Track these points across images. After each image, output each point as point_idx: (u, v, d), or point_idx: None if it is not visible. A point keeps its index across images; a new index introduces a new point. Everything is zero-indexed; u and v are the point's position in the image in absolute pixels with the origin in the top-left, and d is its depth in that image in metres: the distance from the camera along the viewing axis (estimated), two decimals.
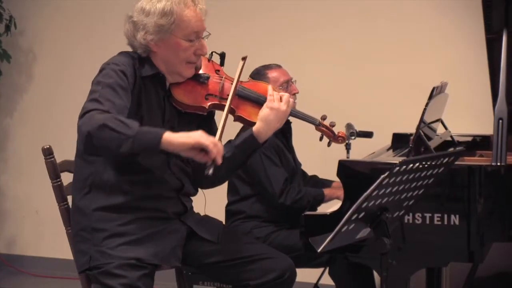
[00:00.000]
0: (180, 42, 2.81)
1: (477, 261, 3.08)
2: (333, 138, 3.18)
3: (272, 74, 3.71)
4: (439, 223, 3.01)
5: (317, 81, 4.75)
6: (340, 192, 3.73)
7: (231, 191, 3.80)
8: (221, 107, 2.85)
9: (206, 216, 3.11)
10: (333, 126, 3.16)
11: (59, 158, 3.16)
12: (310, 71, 4.74)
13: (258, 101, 2.93)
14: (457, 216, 3.00)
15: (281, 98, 2.89)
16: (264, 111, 2.87)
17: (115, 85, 2.70)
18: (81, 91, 5.32)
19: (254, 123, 2.90)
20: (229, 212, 3.79)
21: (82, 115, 2.63)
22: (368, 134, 3.93)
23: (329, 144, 3.23)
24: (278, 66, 3.76)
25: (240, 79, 2.90)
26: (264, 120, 2.87)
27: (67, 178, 3.16)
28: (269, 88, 2.93)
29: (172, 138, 2.56)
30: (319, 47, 4.88)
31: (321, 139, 3.24)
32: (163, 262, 2.88)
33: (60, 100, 5.51)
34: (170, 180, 2.90)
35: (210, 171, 2.59)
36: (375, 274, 3.76)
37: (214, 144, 2.58)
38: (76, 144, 2.90)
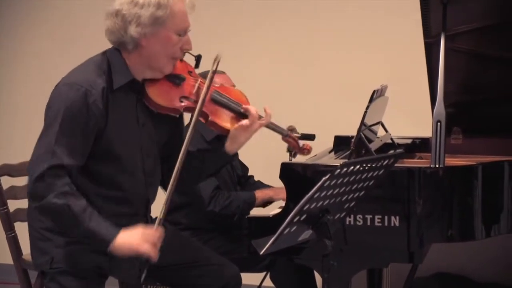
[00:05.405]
0: (171, 36, 2.74)
1: (417, 262, 3.13)
2: (298, 149, 3.20)
3: (216, 79, 3.71)
4: (380, 224, 3.05)
5: (258, 83, 4.76)
6: (273, 192, 3.77)
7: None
8: (195, 110, 2.80)
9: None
10: (298, 138, 3.18)
11: None
12: (252, 74, 4.75)
13: (231, 108, 2.91)
14: (397, 217, 3.04)
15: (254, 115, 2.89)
16: (237, 131, 2.87)
17: (72, 125, 2.66)
18: (23, 94, 5.27)
19: (226, 130, 2.88)
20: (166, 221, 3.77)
21: (35, 176, 2.63)
22: (310, 137, 3.94)
23: (294, 155, 3.26)
24: (223, 73, 3.77)
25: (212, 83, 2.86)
26: (236, 141, 2.90)
27: (7, 182, 3.12)
28: (248, 108, 2.90)
29: (116, 248, 2.65)
30: (260, 48, 4.90)
31: (288, 149, 3.26)
32: (122, 277, 2.90)
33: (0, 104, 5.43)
34: (141, 197, 2.91)
35: (142, 278, 2.71)
36: (317, 275, 3.80)
37: (153, 249, 2.66)
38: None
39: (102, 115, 2.70)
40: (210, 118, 2.86)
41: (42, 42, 5.36)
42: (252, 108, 2.91)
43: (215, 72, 2.81)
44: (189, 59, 2.90)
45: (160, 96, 2.80)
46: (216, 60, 2.81)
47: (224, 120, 2.89)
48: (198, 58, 2.87)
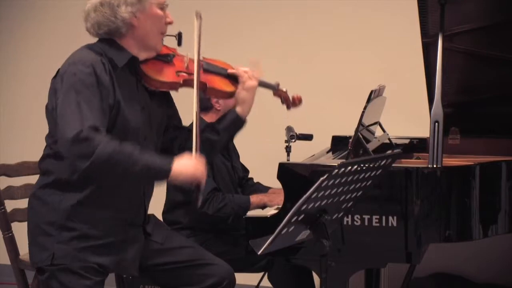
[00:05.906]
0: (156, 11, 2.83)
1: (415, 262, 3.13)
2: (290, 101, 3.26)
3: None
4: (377, 224, 3.05)
5: None
6: (268, 198, 3.77)
7: (166, 198, 3.80)
8: (192, 82, 2.89)
9: (152, 216, 3.10)
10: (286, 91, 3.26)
11: None
12: None
13: (222, 73, 3.04)
14: (395, 217, 3.04)
15: (248, 75, 3.04)
16: (242, 94, 3.02)
17: (89, 95, 2.67)
18: (22, 94, 5.26)
19: (227, 93, 3.02)
20: (164, 220, 3.77)
21: (76, 139, 2.59)
22: (308, 137, 3.97)
23: (288, 107, 3.29)
24: None
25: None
26: (245, 102, 3.03)
27: (4, 182, 3.12)
28: (237, 69, 3.05)
29: (176, 174, 2.70)
30: (260, 48, 4.89)
31: (282, 102, 3.28)
32: (123, 271, 2.88)
33: None
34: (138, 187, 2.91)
35: (199, 203, 2.81)
36: (315, 276, 3.80)
37: (203, 175, 2.74)
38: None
39: (110, 90, 2.73)
40: (208, 86, 2.97)
41: (42, 42, 5.36)
42: (239, 69, 3.05)
43: (200, 28, 2.91)
44: (170, 43, 2.97)
45: (159, 73, 2.89)
46: (198, 15, 2.91)
47: (220, 84, 3.02)
48: (179, 36, 2.97)
